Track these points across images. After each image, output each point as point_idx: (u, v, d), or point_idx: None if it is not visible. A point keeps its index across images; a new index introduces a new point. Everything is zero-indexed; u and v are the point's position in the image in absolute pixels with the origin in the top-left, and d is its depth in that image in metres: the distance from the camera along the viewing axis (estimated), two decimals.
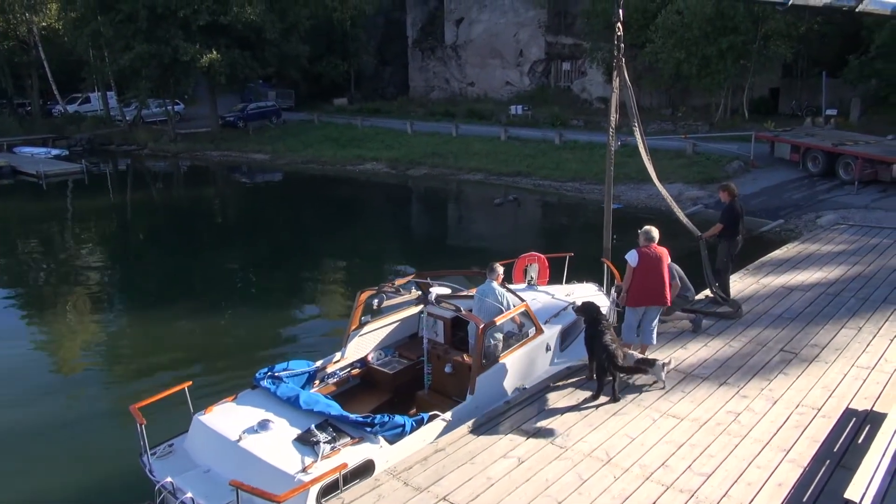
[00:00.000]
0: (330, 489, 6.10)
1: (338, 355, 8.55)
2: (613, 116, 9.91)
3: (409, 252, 20.97)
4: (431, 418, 7.21)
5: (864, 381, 8.00)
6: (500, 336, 8.01)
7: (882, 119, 26.79)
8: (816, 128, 26.15)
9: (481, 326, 7.57)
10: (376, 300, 8.60)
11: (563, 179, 26.23)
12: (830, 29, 28.47)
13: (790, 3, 12.05)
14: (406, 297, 8.97)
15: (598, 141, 27.98)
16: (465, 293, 9.44)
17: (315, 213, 26.12)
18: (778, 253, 13.61)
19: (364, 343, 8.78)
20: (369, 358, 8.79)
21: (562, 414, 7.49)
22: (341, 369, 8.52)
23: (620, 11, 10.09)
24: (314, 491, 6.00)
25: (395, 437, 6.78)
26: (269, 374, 7.69)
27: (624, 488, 6.11)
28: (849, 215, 18.07)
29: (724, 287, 10.50)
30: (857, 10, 12.71)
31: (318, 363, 8.33)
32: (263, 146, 37.67)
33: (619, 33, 10.02)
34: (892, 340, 9.10)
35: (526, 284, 10.40)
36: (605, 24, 30.42)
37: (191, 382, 7.29)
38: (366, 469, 6.48)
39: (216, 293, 16.74)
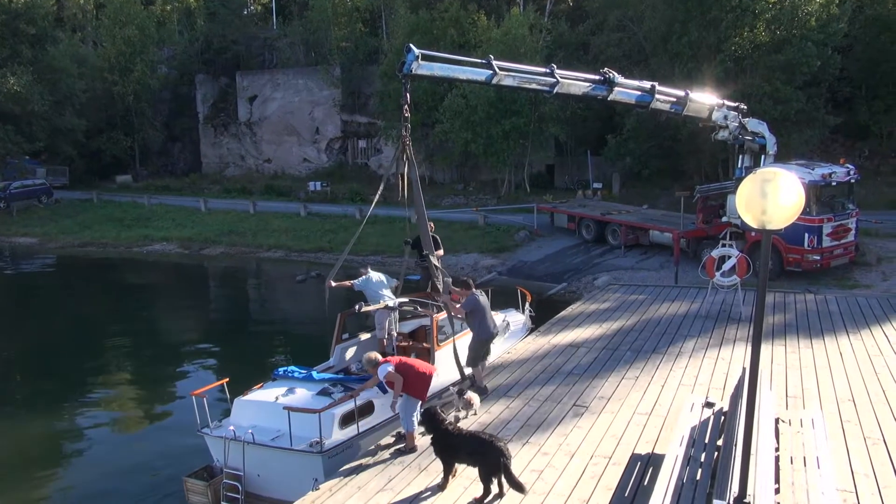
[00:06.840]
0: (348, 420, 8.91)
1: (330, 362, 11.14)
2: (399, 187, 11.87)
3: (205, 335, 19.58)
4: None
5: (644, 426, 8.84)
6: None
7: (637, 191, 30.80)
8: (587, 199, 29.34)
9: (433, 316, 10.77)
10: (357, 307, 11.04)
11: (364, 254, 26.44)
12: (591, 114, 32.49)
13: (555, 91, 13.71)
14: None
15: (397, 215, 28.74)
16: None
17: (93, 302, 23.64)
18: (564, 313, 14.82)
19: (344, 354, 11.35)
20: (351, 367, 11.13)
21: None
22: (335, 373, 10.80)
23: (407, 95, 11.02)
24: (338, 412, 8.91)
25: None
26: (283, 372, 10.37)
27: None
28: (619, 276, 20.30)
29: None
30: (608, 99, 14.79)
31: (317, 367, 10.73)
32: (31, 229, 33.86)
33: (406, 115, 10.87)
34: (662, 387, 10.21)
35: None
36: (396, 104, 31.87)
37: (228, 379, 9.83)
38: (369, 409, 9.34)
39: None
